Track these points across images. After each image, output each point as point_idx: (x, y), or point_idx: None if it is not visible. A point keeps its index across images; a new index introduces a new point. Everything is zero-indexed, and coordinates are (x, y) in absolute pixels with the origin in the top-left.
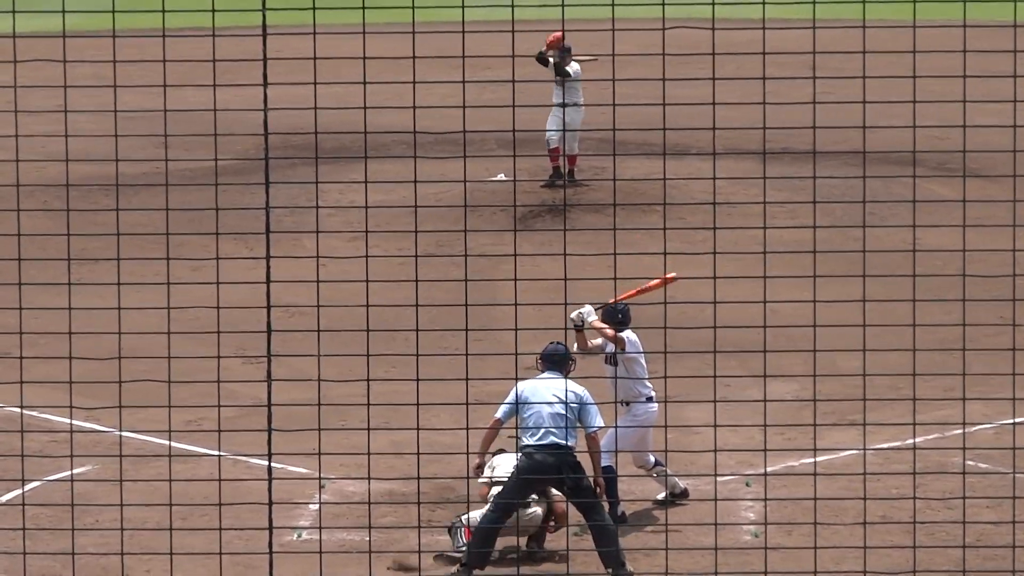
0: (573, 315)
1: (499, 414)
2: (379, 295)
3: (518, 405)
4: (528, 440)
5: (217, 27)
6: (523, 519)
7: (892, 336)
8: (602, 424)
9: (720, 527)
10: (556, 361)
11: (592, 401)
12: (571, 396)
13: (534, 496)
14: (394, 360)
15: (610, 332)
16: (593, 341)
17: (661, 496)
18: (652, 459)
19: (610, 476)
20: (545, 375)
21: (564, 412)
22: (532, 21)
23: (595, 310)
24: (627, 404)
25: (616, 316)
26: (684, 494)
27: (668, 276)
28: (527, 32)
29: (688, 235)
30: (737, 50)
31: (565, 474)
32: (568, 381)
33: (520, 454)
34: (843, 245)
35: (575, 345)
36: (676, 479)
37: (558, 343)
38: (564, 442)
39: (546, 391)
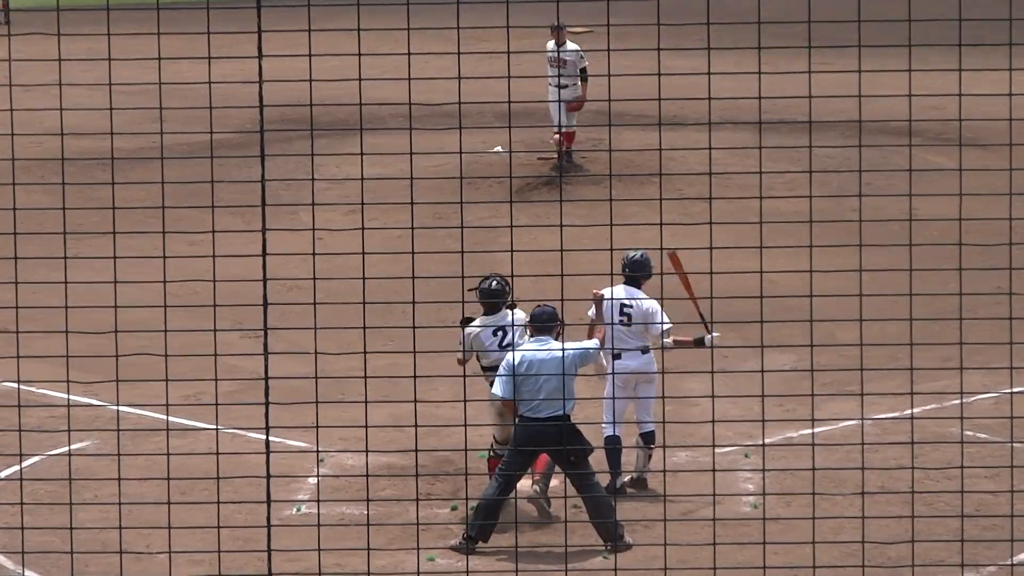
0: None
1: (501, 392)
2: (376, 268)
3: (515, 376)
4: (525, 412)
5: (212, 0)
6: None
7: (890, 306)
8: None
9: (719, 498)
10: (544, 322)
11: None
12: (565, 357)
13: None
14: (392, 333)
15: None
16: (595, 320)
17: (627, 478)
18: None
19: (615, 447)
20: (535, 340)
21: (560, 382)
22: None
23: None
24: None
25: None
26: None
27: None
28: (523, 4)
29: (685, 206)
30: (733, 19)
31: (564, 443)
32: (557, 343)
33: (518, 426)
34: (840, 215)
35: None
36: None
37: (545, 305)
38: (561, 411)
39: (539, 359)
